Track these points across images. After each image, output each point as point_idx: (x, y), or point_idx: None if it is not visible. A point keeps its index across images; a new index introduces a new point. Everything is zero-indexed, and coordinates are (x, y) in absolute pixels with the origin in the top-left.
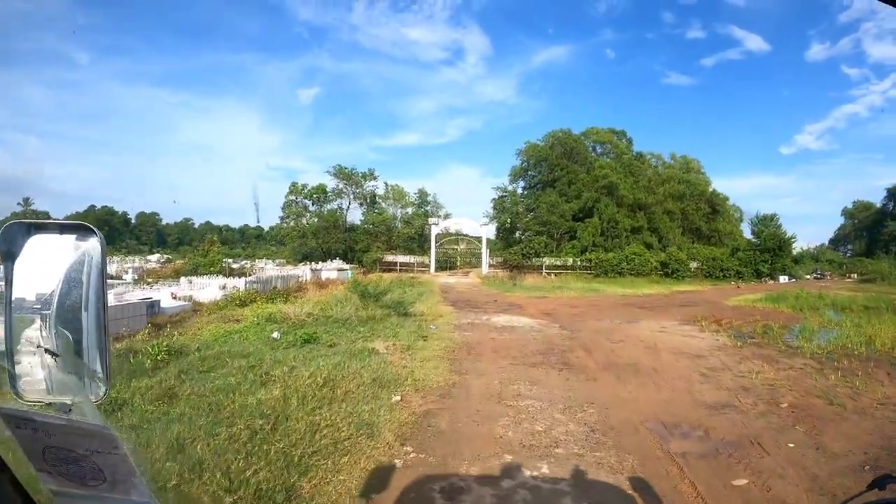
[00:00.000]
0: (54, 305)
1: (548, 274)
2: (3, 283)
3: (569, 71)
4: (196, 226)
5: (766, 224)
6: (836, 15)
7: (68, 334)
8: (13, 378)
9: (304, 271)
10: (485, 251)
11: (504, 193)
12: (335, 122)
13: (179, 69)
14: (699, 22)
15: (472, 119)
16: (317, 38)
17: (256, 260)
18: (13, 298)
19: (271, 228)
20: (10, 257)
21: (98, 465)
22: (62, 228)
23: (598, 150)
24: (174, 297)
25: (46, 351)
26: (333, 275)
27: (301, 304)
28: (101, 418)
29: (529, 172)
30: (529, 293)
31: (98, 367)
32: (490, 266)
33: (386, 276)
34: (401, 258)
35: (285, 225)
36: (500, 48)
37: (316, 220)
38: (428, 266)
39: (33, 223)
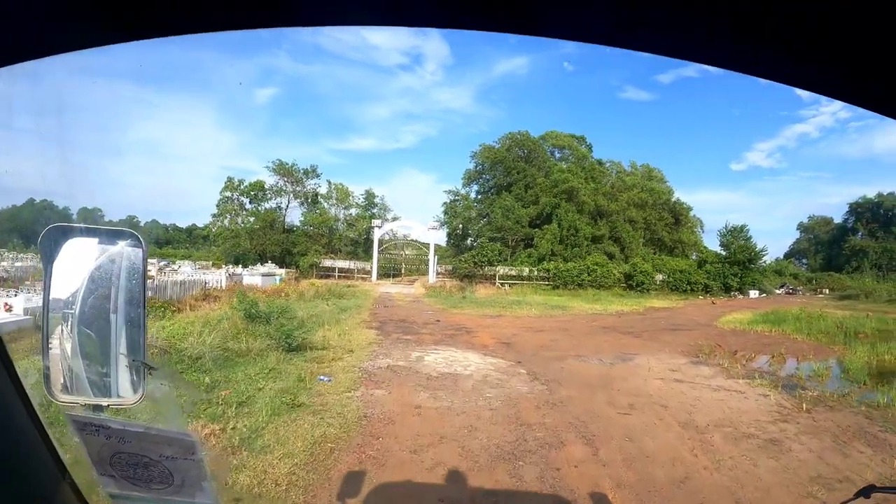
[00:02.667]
0: (77, 307)
1: (501, 285)
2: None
3: (527, 82)
4: (142, 223)
5: (735, 235)
6: None
7: (93, 335)
8: (47, 378)
9: (218, 276)
10: (432, 258)
11: (456, 197)
12: (292, 123)
13: (134, 64)
14: None
15: (428, 126)
16: (276, 37)
17: (178, 261)
18: (50, 300)
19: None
20: (48, 260)
21: (169, 469)
22: (101, 232)
23: (558, 155)
24: (7, 310)
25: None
26: (257, 281)
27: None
28: (183, 424)
29: (484, 176)
30: (482, 309)
31: (127, 371)
32: (438, 274)
33: (321, 283)
34: (340, 263)
35: (219, 224)
36: (460, 56)
37: (252, 219)
38: (370, 273)
39: (73, 227)
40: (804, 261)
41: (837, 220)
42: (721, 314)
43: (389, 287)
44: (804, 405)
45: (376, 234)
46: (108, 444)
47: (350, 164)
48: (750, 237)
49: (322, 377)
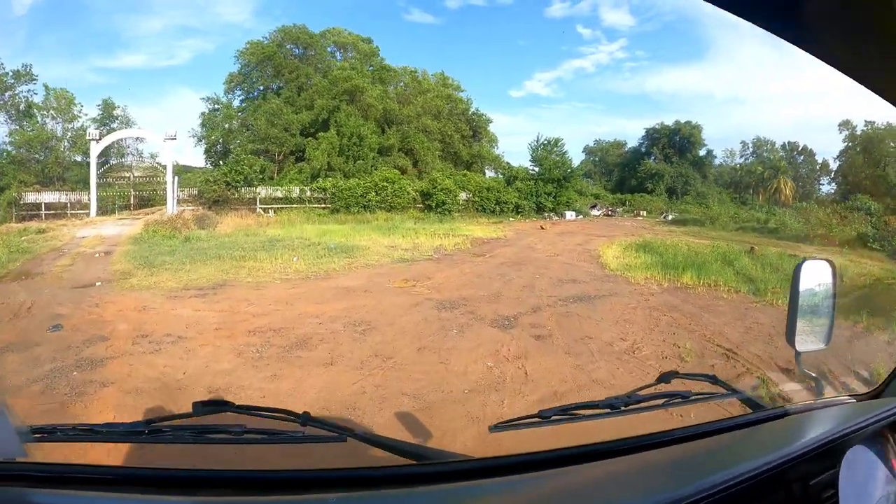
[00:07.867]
0: None
1: (264, 210)
2: None
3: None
4: None
5: (549, 150)
6: None
7: None
8: None
9: None
10: (171, 181)
11: (216, 106)
12: (52, 38)
13: None
14: None
15: (205, 41)
16: None
17: None
18: None
19: None
20: None
21: None
22: None
23: (340, 58)
24: None
25: None
26: None
27: None
28: None
29: (250, 78)
30: (199, 270)
31: None
32: (182, 202)
33: (16, 228)
34: (47, 197)
35: None
36: None
37: None
38: (89, 207)
39: None
40: (591, 182)
41: (636, 144)
42: (588, 248)
43: (100, 228)
44: None
45: (94, 152)
46: None
47: (117, 83)
48: (566, 152)
49: None
